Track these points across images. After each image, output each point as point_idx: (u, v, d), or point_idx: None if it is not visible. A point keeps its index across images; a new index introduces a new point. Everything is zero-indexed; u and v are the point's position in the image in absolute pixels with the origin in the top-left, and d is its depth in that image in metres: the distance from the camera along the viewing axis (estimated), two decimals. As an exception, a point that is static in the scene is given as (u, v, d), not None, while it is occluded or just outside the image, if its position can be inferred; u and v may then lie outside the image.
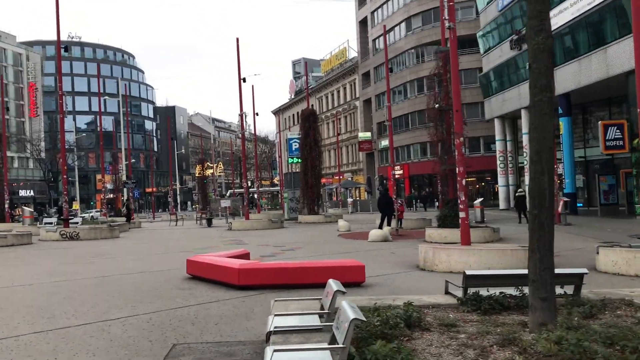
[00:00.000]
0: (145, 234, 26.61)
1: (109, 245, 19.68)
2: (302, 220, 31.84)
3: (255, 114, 39.16)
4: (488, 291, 5.51)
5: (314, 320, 4.70)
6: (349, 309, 3.78)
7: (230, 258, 10.39)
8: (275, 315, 4.44)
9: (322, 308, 5.14)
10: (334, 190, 61.87)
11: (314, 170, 32.17)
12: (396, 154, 60.06)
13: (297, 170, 57.61)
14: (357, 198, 60.51)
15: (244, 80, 28.16)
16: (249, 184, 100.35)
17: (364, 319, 3.70)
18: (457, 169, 11.61)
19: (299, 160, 44.39)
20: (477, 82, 51.47)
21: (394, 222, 21.93)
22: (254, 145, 42.47)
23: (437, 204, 46.44)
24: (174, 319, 7.04)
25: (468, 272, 5.71)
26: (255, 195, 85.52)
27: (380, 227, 21.07)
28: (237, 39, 28.02)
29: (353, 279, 9.04)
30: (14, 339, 6.22)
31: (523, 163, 36.93)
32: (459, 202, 11.63)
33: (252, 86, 34.37)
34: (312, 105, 79.79)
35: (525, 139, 36.70)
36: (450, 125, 19.15)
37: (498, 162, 42.58)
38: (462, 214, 11.44)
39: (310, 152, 32.23)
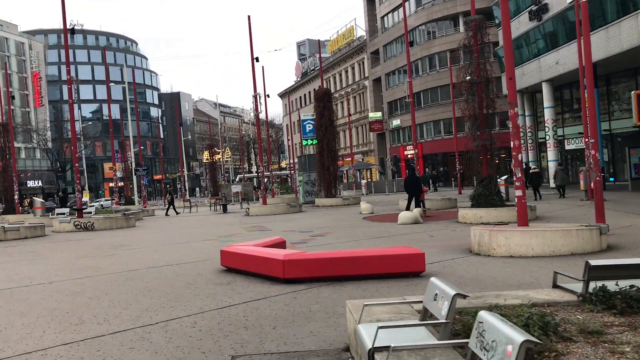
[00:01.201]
0: (161, 223, 25.72)
1: (126, 235, 18.78)
2: (320, 203, 30.89)
3: (267, 96, 38.03)
4: (617, 285, 4.50)
5: (424, 334, 3.71)
6: (502, 325, 2.78)
7: (268, 248, 9.43)
8: (380, 327, 3.44)
9: (424, 315, 4.14)
10: (345, 172, 60.84)
11: (330, 151, 31.12)
12: (409, 133, 58.85)
13: (312, 152, 56.67)
14: (369, 179, 59.47)
15: (257, 59, 27.06)
16: (256, 169, 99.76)
17: (537, 340, 2.70)
18: (512, 142, 10.54)
19: (313, 142, 43.38)
20: (492, 56, 50.13)
21: (423, 204, 20.94)
22: (266, 128, 41.26)
23: (454, 183, 45.60)
24: (223, 322, 6.08)
25: (592, 262, 4.69)
26: (266, 180, 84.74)
27: (408, 208, 20.08)
28: (249, 17, 26.86)
29: (412, 269, 8.07)
30: (42, 353, 5.27)
31: (545, 138, 35.71)
32: (514, 178, 10.57)
33: (262, 67, 33.20)
34: (320, 86, 78.65)
35: (547, 113, 35.50)
36: (482, 99, 18.08)
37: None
38: (518, 192, 10.39)
39: (325, 132, 31.15)
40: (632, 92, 25.34)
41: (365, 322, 4.13)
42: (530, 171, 29.73)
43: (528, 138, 41.00)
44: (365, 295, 6.97)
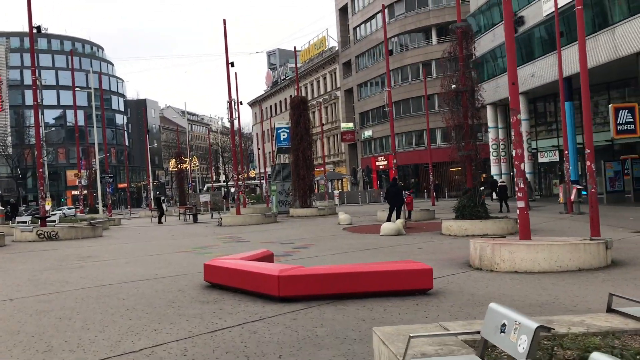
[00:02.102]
0: (130, 232, 24.54)
1: (94, 246, 17.65)
2: (294, 213, 30.09)
3: (239, 103, 37.13)
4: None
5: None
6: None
7: (257, 262, 8.64)
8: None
9: (482, 350, 3.43)
10: (316, 182, 60.13)
11: (305, 160, 30.39)
12: (380, 144, 58.68)
13: (286, 161, 55.76)
14: (339, 190, 58.89)
15: (232, 64, 26.22)
16: (224, 179, 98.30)
17: None
18: (514, 151, 10.01)
19: (276, 151, 42.60)
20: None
21: (403, 215, 20.38)
22: (239, 136, 40.29)
23: (426, 194, 45.31)
24: (219, 349, 5.27)
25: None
26: (232, 190, 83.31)
27: (389, 219, 19.49)
28: (224, 20, 26.06)
29: (418, 285, 7.38)
30: (4, 390, 4.39)
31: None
32: (516, 189, 10.02)
33: (236, 74, 32.33)
34: (291, 95, 77.93)
35: (525, 125, 35.48)
36: (467, 108, 17.65)
37: (491, 151, 41.32)
38: (520, 203, 9.84)
39: (301, 141, 30.41)
40: (610, 105, 25.33)
41: (409, 357, 3.40)
42: (498, 184, 30.09)
43: (501, 151, 41.00)
44: (374, 317, 6.25)
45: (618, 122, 24.37)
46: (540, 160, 37.32)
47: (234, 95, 26.93)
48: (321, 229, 21.03)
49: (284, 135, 39.34)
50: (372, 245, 14.51)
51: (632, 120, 24.15)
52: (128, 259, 13.44)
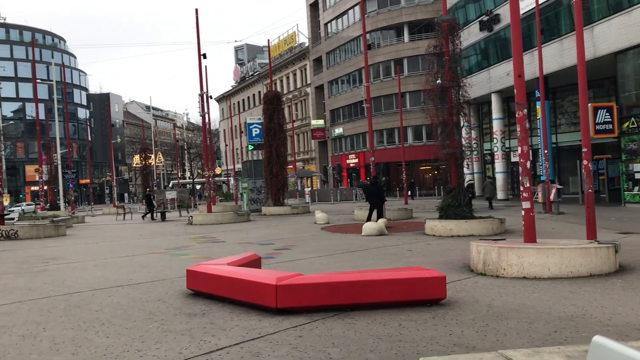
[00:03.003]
0: (95, 231, 23.28)
1: (57, 246, 16.48)
2: (267, 212, 29.21)
3: (209, 97, 35.95)
4: None
5: None
6: None
7: (246, 267, 7.81)
8: None
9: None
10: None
11: (279, 157, 29.55)
12: (351, 141, 58.13)
13: (257, 158, 54.60)
14: (309, 187, 58.15)
15: (204, 56, 25.17)
16: (189, 175, 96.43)
17: None
18: (519, 148, 9.40)
19: (251, 147, 41.61)
20: (436, 67, 49.89)
21: (391, 214, 19.82)
22: (209, 131, 39.12)
23: (399, 192, 44.87)
24: (219, 377, 4.44)
25: None
26: (198, 187, 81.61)
27: (369, 219, 18.80)
28: (197, 10, 24.99)
29: (430, 295, 6.66)
30: None
31: (493, 150, 35.48)
32: (521, 189, 9.41)
33: (206, 67, 31.17)
34: (260, 92, 76.85)
35: (495, 125, 35.34)
36: (452, 105, 17.08)
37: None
38: (526, 204, 9.24)
39: (274, 137, 29.57)
40: (590, 104, 25.13)
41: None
42: (467, 183, 29.88)
43: (473, 149, 40.78)
44: (391, 334, 5.49)
45: (597, 121, 24.26)
46: (513, 159, 37.23)
47: (204, 89, 25.80)
48: (298, 228, 20.24)
49: (256, 131, 38.34)
50: (357, 246, 13.77)
51: (610, 120, 24.06)
52: (96, 261, 12.39)
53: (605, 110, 23.97)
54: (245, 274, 6.92)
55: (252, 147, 39.11)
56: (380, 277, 6.67)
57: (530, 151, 35.14)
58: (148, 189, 38.05)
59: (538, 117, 30.49)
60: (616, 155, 29.88)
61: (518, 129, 9.43)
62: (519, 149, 9.43)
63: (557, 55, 27.51)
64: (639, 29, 22.56)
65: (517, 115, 9.40)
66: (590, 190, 12.03)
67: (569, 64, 26.61)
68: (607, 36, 24.31)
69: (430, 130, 51.52)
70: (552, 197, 22.38)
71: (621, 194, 25.05)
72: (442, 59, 17.24)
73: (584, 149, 12.05)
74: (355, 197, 44.28)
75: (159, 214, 29.61)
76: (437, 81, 17.01)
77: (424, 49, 52.33)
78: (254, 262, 8.70)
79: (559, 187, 22.57)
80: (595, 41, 25.05)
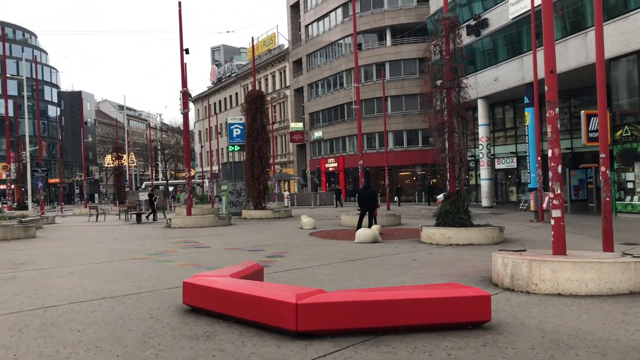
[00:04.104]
0: (67, 233, 21.88)
1: (27, 249, 15.18)
2: (248, 215, 28.10)
3: (189, 95, 34.66)
4: None
5: None
6: None
7: (252, 281, 6.80)
8: None
9: None
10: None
11: (261, 159, 28.48)
12: (330, 145, 57.28)
13: (237, 159, 53.31)
14: (287, 191, 57.05)
15: (187, 51, 24.01)
16: (162, 177, 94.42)
17: None
18: (550, 151, 8.57)
19: (237, 148, 40.44)
20: (417, 72, 49.48)
21: (379, 220, 18.95)
22: (187, 131, 37.80)
23: (380, 198, 43.97)
24: None
25: None
26: (171, 188, 79.82)
27: (360, 224, 17.88)
28: (180, 3, 23.85)
29: (473, 317, 5.75)
30: None
31: (478, 156, 34.94)
32: (552, 196, 8.57)
33: (185, 64, 29.83)
34: (237, 93, 75.54)
35: (481, 131, 34.80)
36: (452, 106, 16.28)
37: (443, 155, 40.45)
38: (556, 212, 8.40)
39: (257, 138, 28.50)
40: (582, 111, 24.71)
41: None
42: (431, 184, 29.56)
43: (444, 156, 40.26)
44: (443, 366, 4.55)
45: (590, 129, 23.78)
46: (497, 166, 36.81)
47: (183, 85, 24.62)
48: (285, 233, 19.22)
49: (237, 131, 37.12)
50: (355, 254, 12.83)
51: (603, 127, 23.54)
52: (72, 267, 11.21)
53: (597, 118, 23.44)
54: (258, 290, 5.91)
55: (238, 148, 37.87)
56: (416, 296, 5.72)
57: (516, 159, 34.81)
58: (151, 189, 36.63)
59: (526, 124, 30.06)
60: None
61: (549, 130, 8.61)
62: (550, 151, 8.60)
63: (548, 61, 27.01)
64: (635, 36, 22.14)
65: (547, 115, 8.59)
66: (607, 199, 11.26)
67: (561, 70, 26.12)
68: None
69: (411, 136, 51.44)
70: (545, 205, 21.77)
71: (612, 204, 24.58)
72: (442, 58, 16.45)
73: (602, 155, 11.27)
74: (336, 203, 43.32)
75: (150, 216, 28.34)
76: (438, 81, 16.19)
77: (406, 53, 52.14)
78: (257, 273, 7.70)
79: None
80: (589, 47, 24.59)
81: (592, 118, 23.71)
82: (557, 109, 8.60)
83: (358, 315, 5.49)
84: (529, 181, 31.03)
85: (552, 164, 8.56)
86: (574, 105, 30.82)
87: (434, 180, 49.33)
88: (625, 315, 6.33)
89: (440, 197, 30.18)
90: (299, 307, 5.36)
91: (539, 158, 23.19)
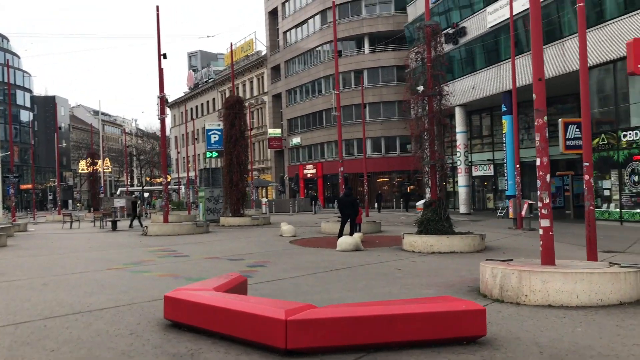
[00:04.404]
0: (40, 241, 21.26)
1: (-4, 259, 14.66)
2: (226, 223, 27.70)
3: (166, 100, 34.14)
4: None
5: None
6: None
7: (236, 294, 6.54)
8: None
9: None
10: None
11: (240, 165, 28.13)
12: (309, 152, 57.09)
13: (215, 165, 52.66)
14: (264, 197, 56.63)
15: (164, 56, 23.64)
16: (137, 183, 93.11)
17: None
18: (539, 160, 8.46)
19: (215, 155, 39.98)
20: (395, 79, 49.62)
21: (361, 227, 18.78)
22: (164, 135, 37.23)
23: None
24: None
25: None
26: (145, 195, 78.78)
27: (341, 232, 17.64)
28: (157, 7, 23.48)
29: (468, 332, 5.57)
30: None
31: (456, 163, 35.05)
32: (539, 205, 8.46)
33: (161, 70, 29.28)
34: (214, 98, 74.97)
35: (459, 138, 34.94)
36: (434, 113, 16.19)
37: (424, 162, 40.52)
38: (545, 222, 8.29)
39: (235, 144, 28.14)
40: (560, 119, 24.91)
41: None
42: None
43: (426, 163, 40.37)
44: (442, 386, 4.35)
45: (567, 136, 23.96)
46: (475, 173, 36.96)
47: (158, 91, 24.20)
48: (265, 241, 18.92)
49: (215, 137, 36.68)
50: (338, 263, 12.61)
51: (580, 135, 23.71)
52: (45, 278, 10.79)
53: (575, 126, 23.68)
54: (244, 305, 5.65)
55: (216, 154, 37.40)
56: (410, 311, 5.52)
57: (493, 166, 34.98)
58: (134, 195, 35.94)
59: (504, 132, 30.26)
60: (581, 171, 29.87)
61: (537, 139, 8.50)
62: (538, 160, 8.49)
63: (526, 69, 27.17)
64: (610, 46, 22.39)
65: (536, 123, 8.50)
66: (591, 208, 11.24)
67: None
68: (578, 52, 24.09)
69: (389, 143, 51.49)
70: (523, 212, 21.83)
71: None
72: (423, 66, 16.38)
73: (586, 163, 11.27)
74: (313, 209, 43.08)
75: (135, 220, 27.82)
76: (420, 87, 16.11)
77: (384, 61, 52.27)
78: (241, 286, 7.43)
79: (531, 202, 22.03)
80: (566, 56, 24.86)
81: (570, 126, 23.92)
82: (545, 117, 8.50)
83: (350, 332, 5.26)
84: (506, 188, 31.28)
85: (540, 173, 8.46)
86: (549, 114, 31.03)
87: (412, 187, 49.49)
88: (620, 328, 6.21)
89: (420, 204, 30.23)
90: (288, 324, 5.12)
91: (518, 165, 23.30)
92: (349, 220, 17.89)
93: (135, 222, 28.19)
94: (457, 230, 16.34)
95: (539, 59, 8.60)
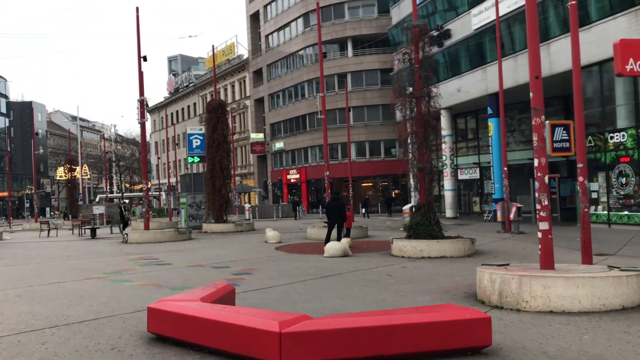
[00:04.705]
0: (16, 250, 20.58)
1: (-30, 269, 14.03)
2: (209, 229, 27.18)
3: (146, 105, 33.56)
4: None
5: None
6: None
7: (226, 305, 6.14)
8: None
9: None
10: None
11: (222, 170, 27.64)
12: (292, 157, 56.68)
13: (197, 170, 52.04)
14: (247, 203, 56.06)
15: (145, 59, 23.11)
16: (116, 189, 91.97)
17: None
18: (537, 160, 8.18)
19: (197, 160, 39.43)
20: (379, 83, 49.49)
21: (350, 232, 18.47)
22: (144, 140, 36.56)
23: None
24: None
25: None
26: (127, 201, 77.83)
27: (328, 237, 17.24)
28: (137, 8, 22.98)
29: (474, 342, 5.23)
30: None
31: (443, 167, 34.87)
32: (538, 208, 8.19)
33: (141, 73, 28.60)
34: (195, 103, 74.27)
35: (448, 141, 34.79)
36: (422, 115, 15.92)
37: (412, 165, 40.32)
38: (543, 225, 8.03)
39: (218, 149, 27.66)
40: (547, 121, 24.76)
41: None
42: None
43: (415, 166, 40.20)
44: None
45: (554, 139, 23.85)
46: (460, 177, 36.85)
47: (143, 95, 23.66)
48: (250, 248, 18.49)
49: (197, 142, 36.13)
50: (326, 270, 12.24)
51: (567, 137, 23.69)
52: (20, 289, 10.26)
53: (562, 128, 23.59)
54: (234, 316, 5.25)
55: (198, 159, 36.80)
56: (411, 321, 5.16)
57: (479, 169, 34.91)
58: (122, 202, 35.19)
59: (490, 135, 30.17)
60: (565, 174, 29.87)
61: (535, 139, 8.22)
62: (536, 161, 8.22)
63: (512, 71, 27.14)
64: (598, 47, 22.36)
65: (533, 122, 8.22)
66: (586, 210, 11.04)
67: (523, 81, 26.24)
68: (566, 53, 24.04)
69: (373, 146, 51.26)
70: (512, 216, 21.66)
71: (576, 214, 24.69)
72: (411, 67, 16.12)
73: (580, 165, 11.07)
74: (296, 214, 42.60)
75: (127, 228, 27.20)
76: (408, 89, 15.84)
77: (368, 64, 52.08)
78: (229, 295, 7.02)
79: (519, 205, 21.86)
80: (552, 58, 24.80)
81: (557, 128, 23.79)
82: (543, 116, 8.24)
83: (349, 344, 4.89)
84: (492, 191, 31.17)
85: (538, 174, 8.20)
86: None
87: (397, 192, 49.31)
88: (628, 335, 5.92)
89: (407, 208, 29.94)
90: (283, 337, 4.74)
91: (505, 168, 23.15)
92: (336, 225, 17.53)
93: (115, 229, 27.57)
94: (447, 235, 16.08)
95: (536, 57, 8.34)
